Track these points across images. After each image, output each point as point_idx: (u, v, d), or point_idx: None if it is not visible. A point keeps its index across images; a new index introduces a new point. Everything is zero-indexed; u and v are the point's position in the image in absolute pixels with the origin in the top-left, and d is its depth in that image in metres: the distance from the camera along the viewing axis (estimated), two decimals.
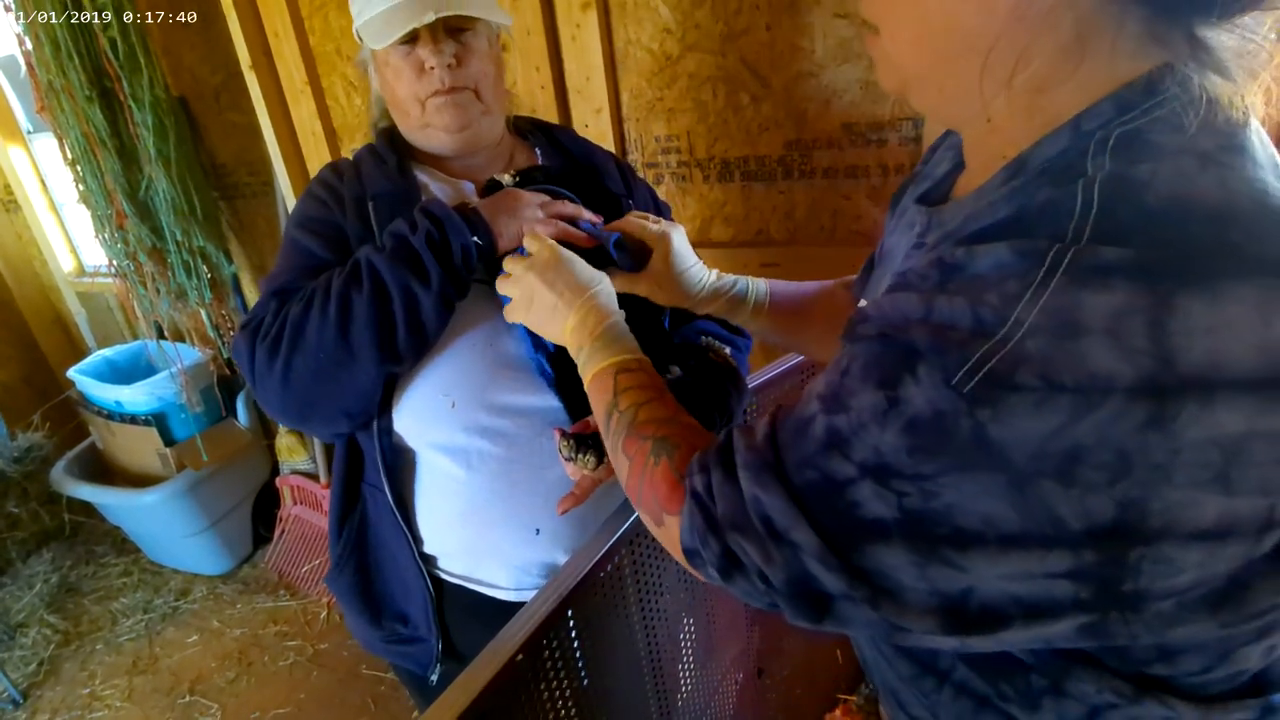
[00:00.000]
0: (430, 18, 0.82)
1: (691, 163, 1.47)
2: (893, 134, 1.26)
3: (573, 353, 0.72)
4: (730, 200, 1.47)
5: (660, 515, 0.57)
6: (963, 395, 0.35)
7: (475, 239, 0.83)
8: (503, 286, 0.78)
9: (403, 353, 0.83)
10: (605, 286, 0.75)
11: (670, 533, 0.56)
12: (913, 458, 0.37)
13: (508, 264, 0.78)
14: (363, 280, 0.81)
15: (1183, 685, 0.44)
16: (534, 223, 0.86)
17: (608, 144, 1.48)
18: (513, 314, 0.78)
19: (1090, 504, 0.34)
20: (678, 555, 0.56)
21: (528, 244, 0.79)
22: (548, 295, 0.74)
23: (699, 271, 0.84)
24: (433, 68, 0.86)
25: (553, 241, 0.77)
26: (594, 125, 1.48)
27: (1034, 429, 0.34)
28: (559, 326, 0.73)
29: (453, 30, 0.87)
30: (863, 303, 0.62)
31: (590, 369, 0.68)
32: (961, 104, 0.45)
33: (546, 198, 0.90)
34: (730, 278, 0.86)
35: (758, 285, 0.86)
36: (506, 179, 0.95)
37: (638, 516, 0.88)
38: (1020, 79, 0.41)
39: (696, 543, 0.51)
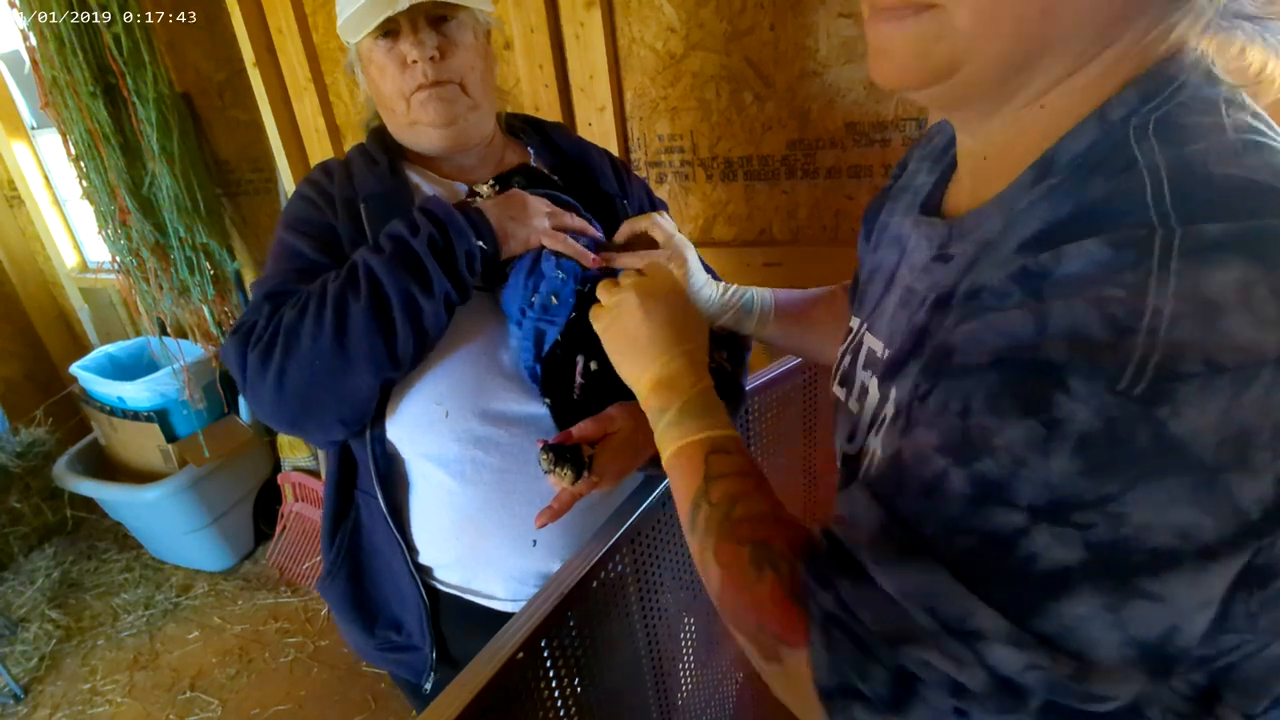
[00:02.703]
0: (404, 4, 0.80)
1: (695, 162, 1.47)
2: (896, 133, 1.26)
3: (648, 407, 0.63)
4: (733, 199, 1.47)
5: (776, 648, 0.46)
6: (1134, 397, 0.32)
7: (480, 244, 0.81)
8: (602, 291, 0.72)
9: (401, 360, 0.81)
10: (704, 341, 0.68)
11: (792, 670, 0.44)
12: (1093, 479, 0.33)
13: (622, 278, 0.72)
14: (360, 285, 0.78)
15: None
16: (541, 234, 0.84)
17: (611, 143, 1.48)
18: (597, 322, 0.71)
19: (1263, 486, 0.32)
20: (801, 700, 0.44)
21: (641, 264, 0.75)
22: (640, 328, 0.65)
23: (710, 290, 0.84)
24: (415, 61, 0.84)
25: (670, 270, 0.73)
26: (597, 124, 1.48)
27: (1207, 417, 0.32)
28: (638, 369, 0.65)
29: (434, 21, 0.85)
30: (873, 339, 0.59)
31: (675, 440, 0.59)
32: (1014, 82, 0.42)
33: (550, 204, 0.88)
34: (736, 290, 0.86)
35: (763, 295, 0.86)
36: (484, 190, 0.92)
37: (639, 516, 0.87)
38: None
39: (848, 677, 0.41)
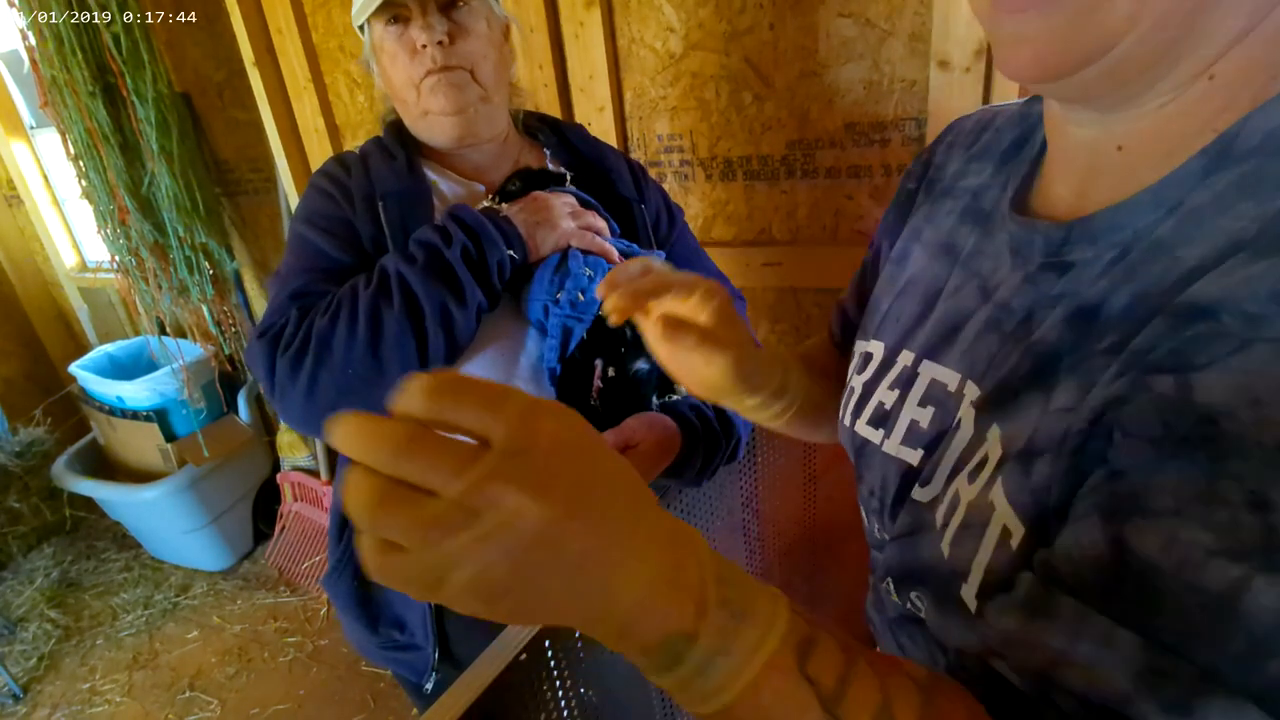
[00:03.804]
0: None
1: (694, 162, 1.47)
2: (895, 133, 1.26)
3: (640, 658, 0.33)
4: (733, 199, 1.47)
5: None
6: None
7: (511, 253, 0.81)
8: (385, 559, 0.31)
9: (432, 368, 0.82)
10: (643, 489, 0.34)
11: None
12: None
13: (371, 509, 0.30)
14: (393, 295, 0.78)
15: None
16: (569, 235, 0.84)
17: (610, 142, 1.47)
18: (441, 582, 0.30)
19: None
20: None
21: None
22: (534, 556, 0.29)
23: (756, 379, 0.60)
24: (424, 45, 0.84)
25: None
26: (597, 124, 1.48)
27: None
28: (584, 614, 0.32)
29: (445, 7, 0.85)
30: (942, 370, 0.48)
31: (732, 680, 0.32)
32: (1176, 52, 0.34)
33: (575, 201, 0.88)
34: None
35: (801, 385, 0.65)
36: (484, 205, 0.91)
37: None
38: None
39: None
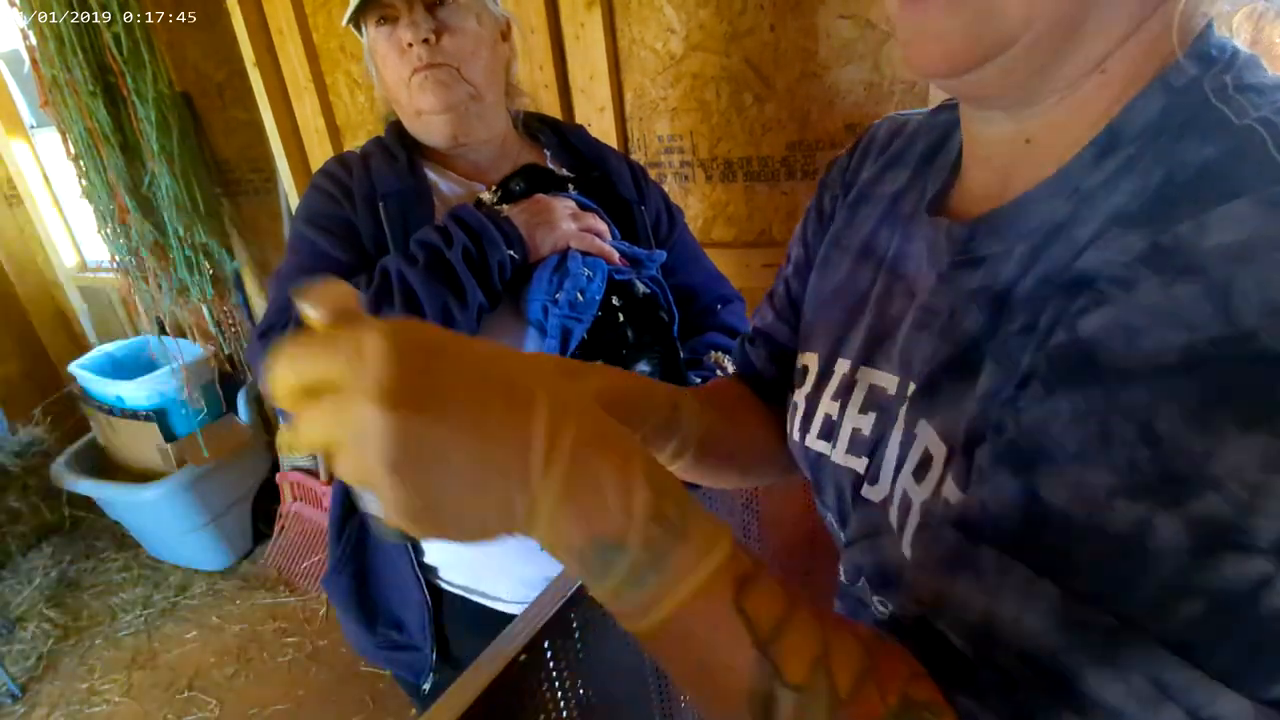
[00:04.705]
0: None
1: (694, 163, 1.47)
2: None
3: (585, 572, 0.33)
4: (733, 200, 1.47)
5: None
6: None
7: (511, 253, 0.82)
8: (298, 432, 0.30)
9: None
10: (569, 369, 0.43)
11: None
12: None
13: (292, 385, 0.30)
14: (395, 296, 0.79)
15: None
16: (569, 236, 0.85)
17: (610, 143, 1.47)
18: (342, 467, 0.30)
19: None
20: None
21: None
22: (440, 432, 0.29)
23: None
24: (409, 44, 0.85)
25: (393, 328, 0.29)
26: (597, 124, 1.48)
27: None
28: (495, 507, 0.31)
29: (431, 5, 0.86)
30: (880, 375, 0.50)
31: (656, 599, 0.32)
32: (1069, 46, 0.36)
33: (575, 205, 0.88)
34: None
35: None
36: (486, 197, 0.92)
37: None
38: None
39: None
